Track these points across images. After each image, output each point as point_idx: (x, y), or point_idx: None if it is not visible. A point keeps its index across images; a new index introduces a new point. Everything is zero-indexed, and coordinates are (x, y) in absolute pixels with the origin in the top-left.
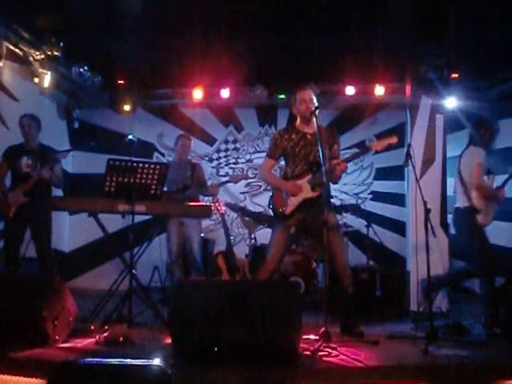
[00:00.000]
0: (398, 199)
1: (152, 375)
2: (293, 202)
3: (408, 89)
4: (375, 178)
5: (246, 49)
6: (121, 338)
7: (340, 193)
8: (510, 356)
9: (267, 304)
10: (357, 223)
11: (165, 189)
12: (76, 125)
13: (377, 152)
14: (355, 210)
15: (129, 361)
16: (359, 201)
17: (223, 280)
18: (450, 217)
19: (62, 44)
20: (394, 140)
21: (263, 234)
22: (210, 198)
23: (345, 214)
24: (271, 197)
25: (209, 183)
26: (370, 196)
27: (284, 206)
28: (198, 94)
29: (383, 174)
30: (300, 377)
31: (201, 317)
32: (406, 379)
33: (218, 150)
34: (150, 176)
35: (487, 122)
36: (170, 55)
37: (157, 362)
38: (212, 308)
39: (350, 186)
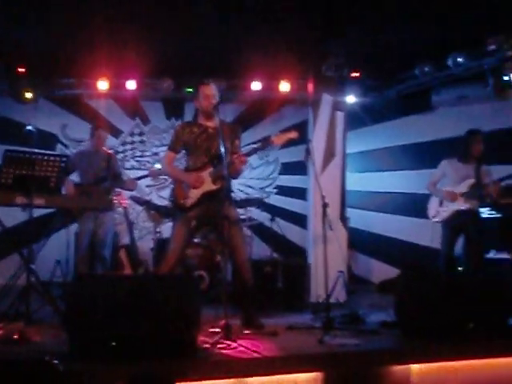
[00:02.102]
0: (301, 193)
1: (42, 372)
2: (194, 195)
3: (310, 86)
4: (280, 173)
5: (152, 40)
6: (15, 336)
7: (246, 187)
8: (400, 343)
9: (166, 298)
10: (262, 217)
11: (78, 180)
12: None
13: (282, 147)
14: (260, 203)
15: (19, 358)
16: (264, 195)
17: (123, 274)
18: (349, 210)
19: None
20: (293, 135)
21: (169, 228)
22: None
23: (250, 208)
24: (172, 189)
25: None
26: (275, 190)
27: (185, 199)
28: (102, 84)
29: (288, 168)
30: (198, 369)
31: (99, 312)
32: (302, 368)
33: (124, 143)
34: (49, 168)
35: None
36: (75, 44)
37: (47, 358)
38: (110, 303)
39: (256, 180)
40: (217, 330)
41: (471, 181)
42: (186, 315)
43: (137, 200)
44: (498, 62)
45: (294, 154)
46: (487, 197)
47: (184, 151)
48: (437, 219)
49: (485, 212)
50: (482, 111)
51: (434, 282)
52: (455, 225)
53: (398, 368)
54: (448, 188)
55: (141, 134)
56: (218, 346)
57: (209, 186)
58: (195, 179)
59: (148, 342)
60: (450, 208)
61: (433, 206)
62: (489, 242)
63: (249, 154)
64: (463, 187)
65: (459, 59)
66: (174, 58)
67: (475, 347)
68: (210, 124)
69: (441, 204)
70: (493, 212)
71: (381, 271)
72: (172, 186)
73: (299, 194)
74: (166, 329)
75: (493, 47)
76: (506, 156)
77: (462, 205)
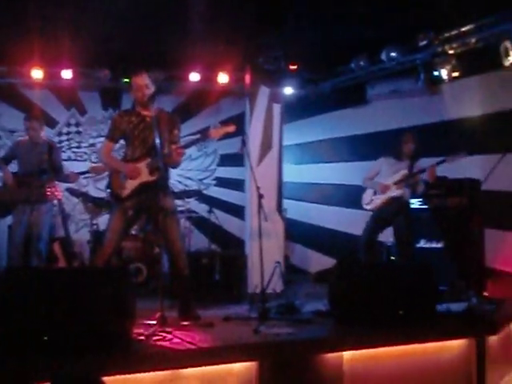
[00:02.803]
0: (240, 185)
1: None
2: (130, 185)
3: (247, 78)
4: (219, 165)
5: (89, 30)
6: None
7: (184, 178)
8: (333, 331)
9: (99, 290)
10: (200, 208)
11: (17, 170)
12: None
13: (221, 139)
14: (198, 195)
15: None
16: (203, 186)
17: (56, 267)
18: (286, 202)
19: None
20: (231, 129)
21: (106, 220)
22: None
23: (188, 200)
24: (109, 179)
25: None
26: (214, 182)
27: (121, 189)
28: (37, 73)
29: (227, 160)
30: (132, 362)
31: (31, 306)
32: (237, 358)
33: (60, 134)
34: None
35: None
36: (8, 32)
37: None
38: (43, 296)
39: (195, 171)
40: (152, 322)
41: (404, 171)
42: (119, 308)
43: (73, 192)
44: (428, 58)
45: (232, 146)
46: (418, 184)
47: (122, 141)
48: (369, 206)
49: (415, 203)
50: (414, 105)
51: (365, 272)
52: (385, 215)
53: (331, 356)
54: (382, 181)
55: (77, 125)
56: (153, 338)
57: (145, 176)
58: (132, 170)
59: (81, 335)
60: (383, 196)
61: (367, 194)
62: (420, 232)
63: (186, 146)
64: (396, 177)
65: (392, 54)
66: (112, 48)
67: (405, 333)
68: (147, 113)
69: (375, 193)
70: (424, 202)
71: (318, 261)
72: (108, 175)
73: (238, 185)
74: (99, 322)
75: (424, 43)
76: (437, 148)
77: (393, 191)
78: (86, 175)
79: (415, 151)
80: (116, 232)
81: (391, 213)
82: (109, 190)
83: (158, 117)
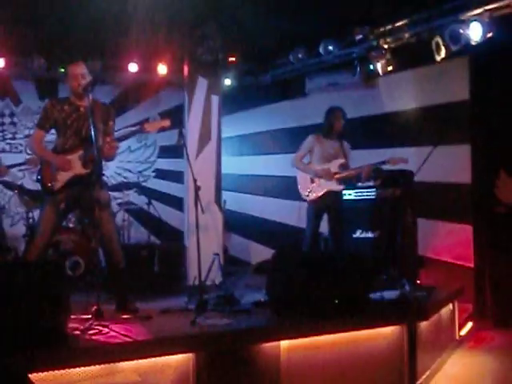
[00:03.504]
0: (179, 177)
1: None
2: (62, 178)
3: (186, 69)
4: (159, 156)
5: (24, 17)
6: None
7: (124, 170)
8: (270, 321)
9: (32, 284)
10: (140, 201)
11: None
12: None
13: (160, 130)
14: (138, 187)
15: None
16: (142, 178)
17: None
18: (226, 193)
19: None
20: (166, 123)
21: None
22: None
23: (127, 192)
24: (40, 170)
25: None
26: (154, 174)
27: (52, 181)
28: None
29: (166, 152)
30: (67, 357)
31: None
32: (174, 350)
33: None
34: None
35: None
36: None
37: None
38: None
39: (134, 163)
40: (88, 316)
41: (341, 161)
42: (53, 302)
43: (8, 185)
44: (364, 52)
45: (172, 138)
46: (353, 179)
47: (53, 131)
48: (311, 197)
49: (352, 194)
50: (352, 97)
51: (301, 262)
52: (321, 205)
53: (268, 345)
54: (317, 166)
55: (11, 115)
56: (89, 332)
57: (78, 169)
58: (63, 162)
59: (14, 330)
60: (323, 187)
61: (303, 183)
62: (356, 223)
63: (120, 140)
64: (334, 167)
65: (330, 47)
66: (47, 37)
67: (339, 322)
68: (81, 103)
69: (312, 181)
70: (360, 194)
71: (258, 253)
72: (39, 167)
73: (177, 177)
74: (33, 317)
75: (360, 37)
76: (373, 140)
77: (335, 186)
78: (22, 167)
79: (344, 129)
80: (48, 225)
81: (327, 204)
82: (39, 183)
83: (93, 108)
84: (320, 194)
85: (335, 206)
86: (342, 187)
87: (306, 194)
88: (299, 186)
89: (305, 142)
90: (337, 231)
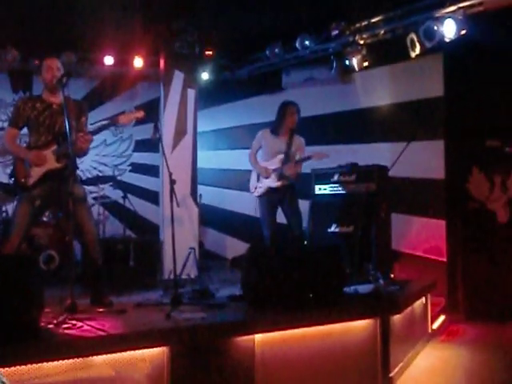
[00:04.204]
0: (155, 171)
1: None
2: (36, 173)
3: (162, 62)
4: (135, 150)
5: None
6: None
7: (99, 164)
8: (245, 315)
9: (4, 278)
10: (116, 194)
11: None
12: None
13: (136, 124)
14: (113, 181)
15: None
16: (118, 172)
17: None
18: (202, 188)
19: None
20: (140, 114)
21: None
22: None
23: (103, 186)
24: (13, 167)
25: None
26: (130, 167)
27: (26, 177)
28: None
29: (142, 145)
30: (40, 351)
31: None
32: (149, 344)
33: None
34: None
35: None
36: None
37: None
38: None
39: (110, 157)
40: (62, 310)
41: (281, 156)
42: (26, 296)
43: None
44: (340, 47)
45: (148, 131)
46: (290, 176)
47: (26, 128)
48: (256, 194)
49: (327, 188)
50: (328, 93)
51: (276, 256)
52: (271, 200)
53: (243, 339)
54: (262, 163)
55: None
56: (63, 326)
57: (52, 164)
58: (36, 156)
59: None
60: (264, 184)
61: (252, 180)
62: (331, 217)
63: (94, 133)
64: (274, 163)
65: (306, 42)
66: (21, 28)
67: (313, 316)
68: (53, 100)
69: (258, 179)
70: (335, 189)
71: (234, 247)
72: (12, 164)
73: (153, 171)
74: (5, 311)
75: (336, 32)
76: (348, 136)
77: (273, 183)
78: None
79: (297, 125)
80: (23, 222)
81: (275, 199)
82: (13, 179)
83: (65, 104)
84: (262, 191)
85: (286, 199)
86: (284, 183)
87: (252, 190)
88: (250, 182)
89: (255, 139)
90: (291, 223)
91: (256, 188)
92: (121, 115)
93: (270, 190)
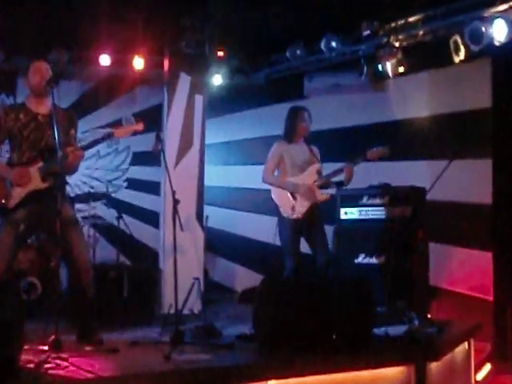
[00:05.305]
0: (155, 188)
1: None
2: (18, 194)
3: (166, 64)
4: (132, 163)
5: None
6: None
7: (91, 179)
8: (256, 358)
9: None
10: (109, 214)
11: None
12: None
13: (134, 134)
14: (107, 198)
15: None
16: (112, 189)
17: None
18: (208, 208)
19: None
20: (139, 127)
21: None
22: None
23: (94, 204)
24: None
25: None
26: (126, 183)
27: (7, 199)
28: None
29: (141, 158)
30: None
31: None
32: None
33: None
34: None
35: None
36: None
37: None
38: None
39: (103, 171)
40: (45, 347)
41: (316, 166)
42: (4, 329)
43: None
44: (372, 49)
45: (148, 143)
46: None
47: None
48: (295, 216)
49: (355, 213)
50: (356, 102)
51: (293, 290)
52: (300, 223)
53: None
54: (291, 178)
55: None
56: (45, 365)
57: (37, 183)
58: (19, 175)
59: None
60: (306, 203)
61: (283, 199)
62: (357, 246)
63: (86, 148)
64: (311, 176)
65: (333, 43)
66: (6, 24)
67: (337, 360)
68: (40, 110)
69: (294, 197)
70: (364, 213)
71: (245, 278)
72: None
73: (153, 188)
74: None
75: (367, 33)
76: None
77: (319, 196)
78: None
79: (309, 132)
80: (6, 250)
81: (310, 219)
82: None
83: (53, 114)
84: (305, 209)
85: (317, 219)
86: (325, 196)
87: (291, 212)
88: (279, 204)
89: (271, 152)
90: (320, 252)
91: (294, 208)
92: (117, 129)
93: (311, 208)
